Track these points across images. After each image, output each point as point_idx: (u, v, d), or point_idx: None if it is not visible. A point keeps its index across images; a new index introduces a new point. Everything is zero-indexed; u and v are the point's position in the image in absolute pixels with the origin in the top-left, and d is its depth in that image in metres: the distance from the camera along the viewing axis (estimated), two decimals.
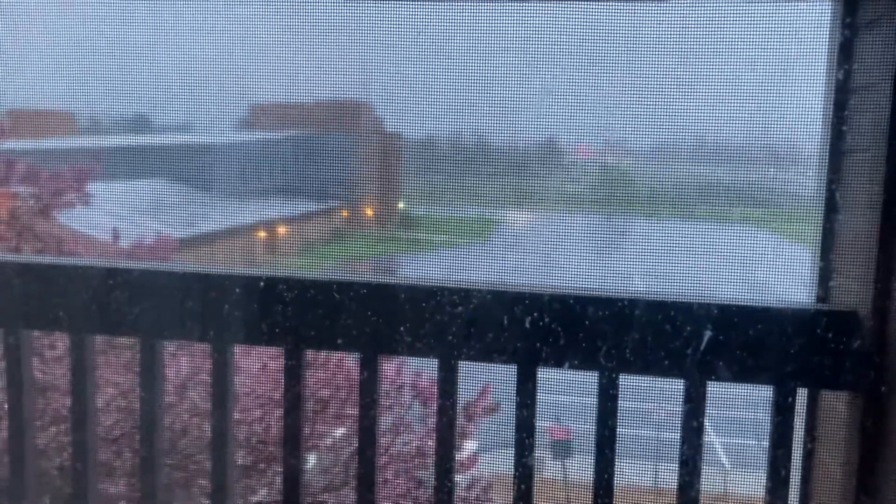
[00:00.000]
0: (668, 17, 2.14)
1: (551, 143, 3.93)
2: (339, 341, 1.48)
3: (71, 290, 1.54)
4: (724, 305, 1.36)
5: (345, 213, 5.38)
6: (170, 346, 3.32)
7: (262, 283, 1.49)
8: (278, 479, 3.29)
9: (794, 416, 1.39)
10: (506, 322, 1.41)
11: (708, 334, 1.35)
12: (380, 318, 1.45)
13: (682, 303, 1.36)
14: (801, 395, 1.42)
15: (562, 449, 4.83)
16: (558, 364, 1.42)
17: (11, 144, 3.93)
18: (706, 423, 1.44)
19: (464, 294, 1.42)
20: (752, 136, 3.01)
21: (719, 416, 4.37)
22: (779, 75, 2.05)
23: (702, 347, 1.35)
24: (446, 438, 1.47)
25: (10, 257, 1.89)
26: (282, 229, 5.33)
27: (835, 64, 1.40)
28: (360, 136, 4.62)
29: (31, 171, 3.82)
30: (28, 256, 3.10)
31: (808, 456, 1.45)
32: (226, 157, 4.93)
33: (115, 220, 4.24)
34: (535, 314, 1.40)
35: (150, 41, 3.60)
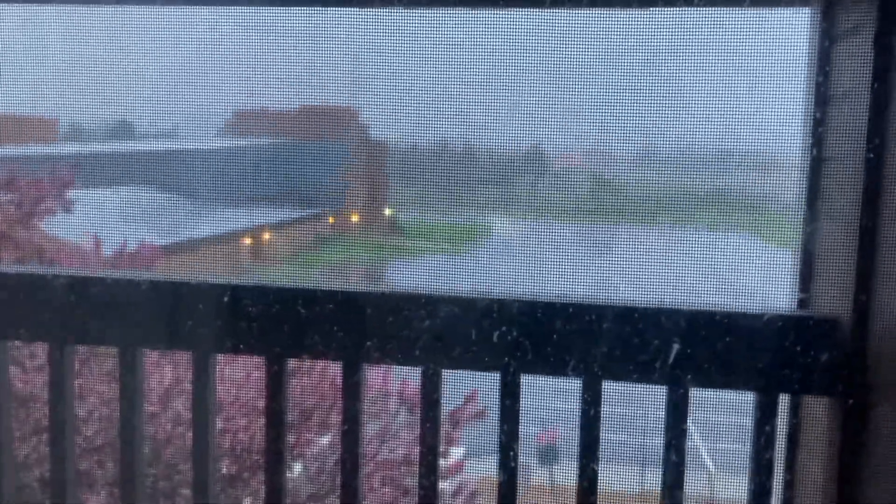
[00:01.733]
0: (649, 26, 2.15)
1: (537, 150, 3.94)
2: (322, 350, 1.47)
3: (49, 299, 1.52)
4: (706, 312, 1.36)
5: (331, 220, 5.38)
6: (152, 356, 3.30)
7: (241, 292, 1.48)
8: (262, 489, 3.26)
9: (776, 422, 1.39)
10: (489, 329, 1.40)
11: (689, 341, 1.35)
12: (362, 327, 1.44)
13: (663, 309, 1.36)
14: (783, 400, 1.42)
15: (549, 454, 4.83)
16: (541, 371, 1.42)
17: None
18: (691, 427, 1.44)
19: (446, 301, 1.42)
20: (733, 143, 3.04)
21: (705, 420, 4.39)
22: (759, 82, 2.07)
23: (683, 354, 1.35)
24: (430, 446, 1.47)
25: None
26: (267, 236, 5.32)
27: (814, 71, 1.41)
28: (347, 143, 4.61)
29: (11, 178, 3.79)
30: (5, 266, 3.07)
31: (790, 461, 1.45)
32: (210, 164, 4.91)
33: (98, 228, 4.21)
34: (518, 321, 1.39)
35: (133, 48, 3.59)
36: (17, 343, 1.95)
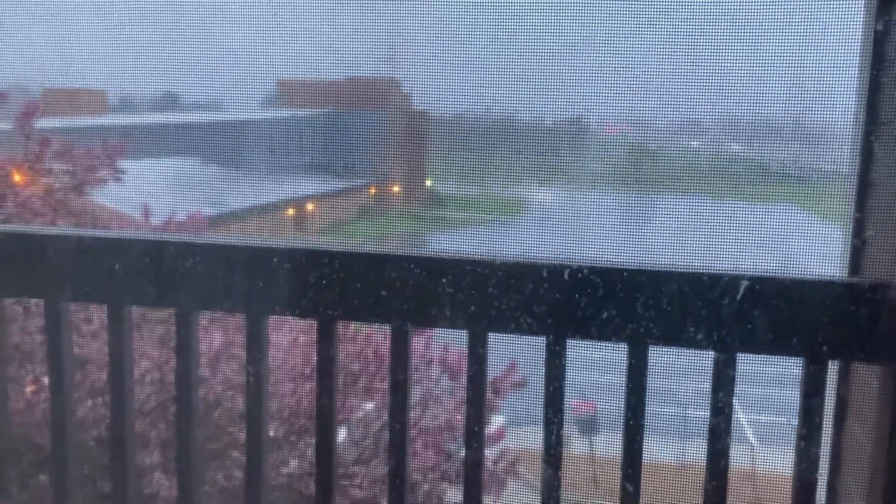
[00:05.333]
0: None
1: (580, 120, 3.91)
2: (370, 313, 1.50)
3: (109, 261, 1.57)
4: (754, 277, 1.35)
5: (372, 191, 5.41)
6: (203, 321, 3.38)
7: (295, 255, 1.51)
8: (310, 452, 3.35)
9: (824, 390, 1.38)
10: (535, 293, 1.41)
11: (738, 307, 1.35)
12: (410, 290, 1.46)
13: (711, 274, 1.36)
14: (833, 367, 1.41)
15: (587, 425, 4.85)
16: (587, 336, 1.42)
17: (46, 123, 4.00)
18: (733, 399, 1.44)
19: (494, 266, 1.43)
20: (784, 111, 2.98)
21: (746, 393, 4.36)
22: (811, 47, 2.03)
23: (731, 320, 1.35)
24: (475, 408, 1.49)
25: (49, 230, 1.92)
26: (310, 206, 5.37)
27: (871, 34, 1.38)
28: (389, 114, 4.63)
29: (65, 149, 3.89)
30: (65, 228, 3.16)
31: (839, 429, 1.45)
32: (255, 135, 4.96)
33: (146, 198, 4.30)
34: (565, 286, 1.40)
35: (180, 20, 3.63)
36: (73, 308, 2.02)
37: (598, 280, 1.39)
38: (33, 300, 2.84)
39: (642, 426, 1.45)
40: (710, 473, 1.42)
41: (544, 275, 1.41)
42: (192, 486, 1.63)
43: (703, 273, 1.36)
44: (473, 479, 1.50)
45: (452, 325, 1.47)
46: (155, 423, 3.22)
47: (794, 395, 1.44)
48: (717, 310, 1.35)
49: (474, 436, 1.51)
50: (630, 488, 1.43)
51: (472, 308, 1.44)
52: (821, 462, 1.42)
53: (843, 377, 1.44)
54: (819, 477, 1.41)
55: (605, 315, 1.39)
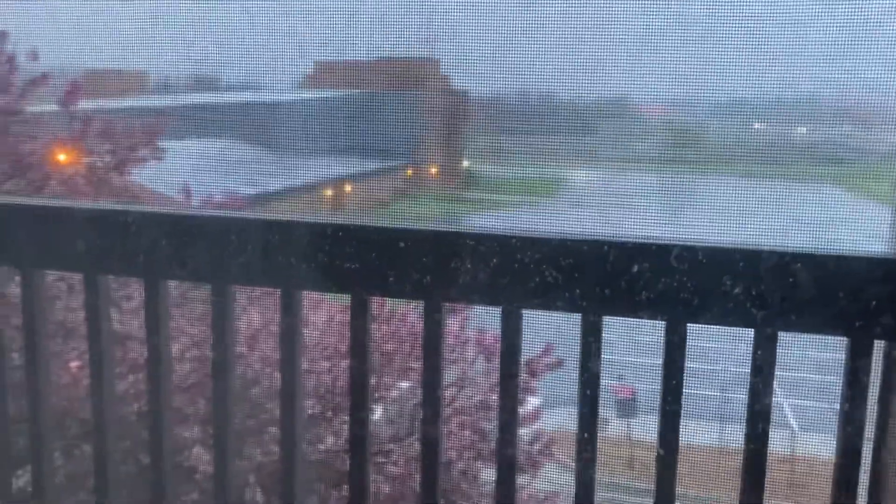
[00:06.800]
0: None
1: (620, 100, 3.85)
2: (405, 289, 1.49)
3: (146, 236, 1.58)
4: (797, 254, 1.31)
5: (409, 172, 5.41)
6: (239, 300, 3.41)
7: (330, 231, 1.51)
8: (345, 429, 3.38)
9: (869, 370, 1.35)
10: (572, 270, 1.40)
11: (780, 284, 1.31)
12: (445, 266, 1.45)
13: (753, 251, 1.32)
14: (878, 347, 1.37)
15: (625, 408, 4.82)
16: (625, 313, 1.40)
17: (88, 104, 4.06)
18: (774, 384, 1.40)
19: (529, 243, 1.41)
20: (830, 92, 2.90)
21: (787, 377, 4.29)
22: (860, 25, 1.97)
23: (773, 297, 1.32)
24: (509, 385, 1.48)
25: (87, 204, 1.94)
26: (348, 188, 5.39)
27: None
28: (427, 94, 4.61)
29: (106, 128, 3.95)
30: (105, 203, 3.20)
31: (884, 410, 1.41)
32: (292, 116, 4.98)
33: (185, 178, 4.35)
34: (602, 263, 1.38)
35: (220, 2, 3.65)
36: (113, 285, 2.05)
37: (637, 256, 1.36)
38: (76, 277, 2.90)
39: (680, 407, 1.42)
40: (749, 457, 1.39)
41: (580, 252, 1.39)
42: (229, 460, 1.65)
43: (743, 249, 1.33)
44: (507, 452, 1.49)
45: (486, 303, 1.45)
46: (194, 399, 3.28)
47: (835, 380, 1.40)
48: (758, 288, 1.32)
49: (508, 412, 1.50)
50: (666, 467, 1.41)
51: (506, 285, 1.42)
52: (864, 443, 1.38)
53: (889, 357, 1.40)
54: (862, 458, 1.38)
55: (643, 292, 1.36)
